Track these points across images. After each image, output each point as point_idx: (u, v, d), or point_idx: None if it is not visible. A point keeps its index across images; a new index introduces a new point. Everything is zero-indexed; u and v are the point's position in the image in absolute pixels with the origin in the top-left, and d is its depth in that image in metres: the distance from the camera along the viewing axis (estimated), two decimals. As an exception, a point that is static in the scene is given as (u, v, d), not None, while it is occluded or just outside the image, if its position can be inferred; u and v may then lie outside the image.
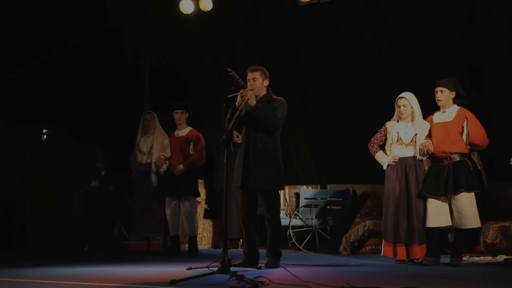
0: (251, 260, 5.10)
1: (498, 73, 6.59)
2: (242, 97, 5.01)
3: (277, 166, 5.18)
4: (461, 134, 5.35)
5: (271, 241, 5.16)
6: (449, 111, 5.43)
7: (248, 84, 5.21)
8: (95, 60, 8.31)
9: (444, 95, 5.42)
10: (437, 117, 5.49)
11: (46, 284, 3.96)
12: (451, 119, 5.39)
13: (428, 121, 5.52)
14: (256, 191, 5.18)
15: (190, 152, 6.64)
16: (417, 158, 5.47)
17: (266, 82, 5.28)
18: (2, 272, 4.65)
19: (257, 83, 5.22)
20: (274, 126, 5.16)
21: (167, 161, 6.67)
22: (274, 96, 5.27)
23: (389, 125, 5.66)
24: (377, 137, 5.71)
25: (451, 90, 5.42)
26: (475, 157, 5.43)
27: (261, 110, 5.09)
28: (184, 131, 6.75)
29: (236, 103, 5.03)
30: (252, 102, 5.06)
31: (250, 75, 5.26)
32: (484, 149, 5.46)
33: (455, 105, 5.44)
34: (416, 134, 5.47)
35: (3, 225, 7.53)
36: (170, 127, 6.89)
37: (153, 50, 8.62)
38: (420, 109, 5.52)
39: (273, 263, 5.07)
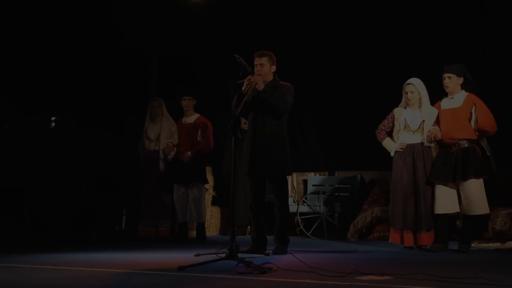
0: (258, 247, 5.11)
1: (508, 58, 6.54)
2: (249, 82, 4.98)
3: (285, 151, 5.18)
4: (470, 120, 5.30)
5: (279, 228, 5.17)
6: (457, 97, 5.39)
7: (256, 69, 5.17)
8: (102, 49, 8.29)
9: (452, 81, 5.36)
10: (445, 103, 5.45)
11: (55, 270, 3.99)
12: (459, 105, 5.35)
13: (436, 107, 5.48)
14: (264, 177, 5.18)
15: (198, 139, 6.64)
16: (425, 144, 5.44)
17: (274, 68, 5.25)
18: (12, 258, 4.69)
19: (265, 69, 5.19)
20: (283, 110, 5.14)
21: (175, 148, 6.68)
22: (281, 82, 5.25)
23: (396, 111, 5.63)
24: (384, 124, 5.68)
25: (459, 76, 5.37)
26: (484, 143, 5.39)
27: (270, 94, 5.07)
28: (191, 117, 6.75)
29: (243, 89, 5.00)
30: (260, 86, 5.03)
31: (257, 60, 5.22)
32: (494, 135, 5.42)
33: (463, 91, 5.40)
34: (423, 121, 5.44)
35: (12, 211, 7.57)
36: (177, 114, 6.89)
37: (160, 37, 8.60)
38: (427, 95, 5.48)
39: (281, 249, 5.08)
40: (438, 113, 5.44)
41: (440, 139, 5.35)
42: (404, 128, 5.52)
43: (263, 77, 5.14)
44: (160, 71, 8.66)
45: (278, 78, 5.26)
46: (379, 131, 5.69)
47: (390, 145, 5.59)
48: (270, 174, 5.13)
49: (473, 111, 5.29)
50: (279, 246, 5.11)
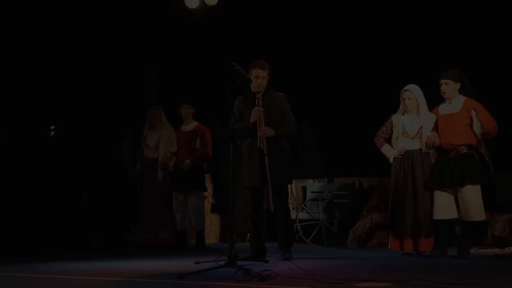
0: (258, 254, 5.11)
1: (506, 63, 6.57)
2: (256, 115, 5.07)
3: (289, 160, 5.28)
4: (470, 125, 5.30)
5: (286, 234, 5.23)
6: (455, 102, 5.40)
7: (256, 81, 5.16)
8: (101, 56, 8.32)
9: (449, 87, 5.38)
10: (443, 108, 5.46)
11: (55, 279, 3.99)
12: (457, 110, 5.36)
13: (434, 113, 5.49)
14: (263, 187, 5.21)
15: (197, 146, 6.66)
16: (423, 151, 5.45)
17: (267, 78, 5.27)
18: (12, 268, 4.69)
19: (265, 82, 5.20)
20: (295, 132, 5.31)
21: (174, 157, 6.69)
22: (274, 92, 5.26)
23: (394, 118, 5.64)
24: (382, 130, 5.69)
25: (455, 81, 5.38)
26: (482, 149, 5.39)
27: (282, 132, 5.15)
28: (190, 125, 6.78)
29: (251, 120, 5.09)
30: (272, 133, 5.07)
31: (260, 73, 5.17)
32: (493, 140, 5.43)
33: (461, 96, 5.41)
34: (421, 127, 5.45)
35: (12, 221, 7.57)
36: (176, 121, 6.90)
37: (159, 45, 8.63)
38: (425, 101, 5.49)
39: (290, 254, 5.15)
40: (437, 119, 5.45)
41: (438, 145, 5.36)
42: (403, 134, 5.53)
43: (261, 88, 5.15)
44: (158, 79, 8.67)
45: (271, 88, 5.27)
46: (377, 137, 5.70)
47: (389, 151, 5.60)
48: (281, 184, 5.17)
49: (473, 115, 5.29)
50: (287, 252, 5.16)
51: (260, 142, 5.02)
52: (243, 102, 5.26)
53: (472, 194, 5.20)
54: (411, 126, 5.49)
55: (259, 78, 5.16)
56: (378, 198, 7.02)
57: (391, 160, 5.60)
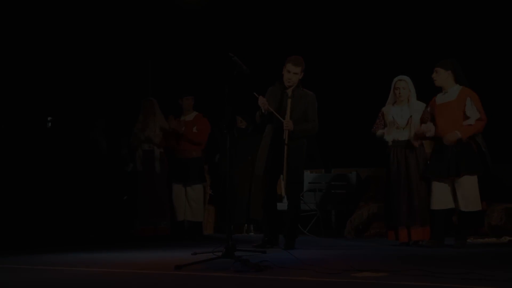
0: (271, 239, 5.24)
1: (502, 52, 6.58)
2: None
3: (304, 158, 5.37)
4: (465, 114, 5.29)
5: (293, 225, 5.32)
6: (451, 91, 5.38)
7: (287, 76, 5.15)
8: (97, 49, 8.29)
9: (439, 75, 5.38)
10: (440, 98, 5.46)
11: (52, 271, 4.00)
12: (453, 98, 5.35)
13: (431, 104, 5.49)
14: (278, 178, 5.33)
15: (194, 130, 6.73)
16: (411, 141, 5.44)
17: (302, 75, 5.24)
18: (8, 259, 4.69)
19: (296, 78, 5.19)
20: (314, 134, 5.38)
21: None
22: (304, 89, 5.25)
23: (385, 110, 5.65)
24: (377, 123, 5.71)
25: (446, 69, 5.36)
26: (479, 138, 5.38)
27: (300, 131, 5.17)
28: (190, 115, 6.84)
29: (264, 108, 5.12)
30: (291, 129, 5.10)
31: (292, 68, 5.15)
32: (490, 130, 5.44)
33: (458, 85, 5.40)
34: (411, 116, 5.45)
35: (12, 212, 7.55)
36: (171, 112, 6.91)
37: (156, 35, 8.61)
38: (415, 92, 5.51)
39: (293, 244, 5.23)
40: (434, 108, 5.43)
41: (436, 134, 5.35)
42: (394, 125, 5.54)
43: (291, 84, 5.12)
44: (155, 70, 8.66)
45: (301, 85, 5.26)
46: (374, 130, 5.71)
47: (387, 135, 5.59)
48: (292, 180, 5.25)
49: (468, 103, 5.24)
50: (292, 241, 5.24)
51: (284, 134, 5.07)
52: (270, 92, 5.28)
53: (469, 184, 5.21)
54: (401, 116, 5.50)
55: (290, 73, 5.16)
56: (375, 188, 7.03)
57: (388, 139, 5.57)
